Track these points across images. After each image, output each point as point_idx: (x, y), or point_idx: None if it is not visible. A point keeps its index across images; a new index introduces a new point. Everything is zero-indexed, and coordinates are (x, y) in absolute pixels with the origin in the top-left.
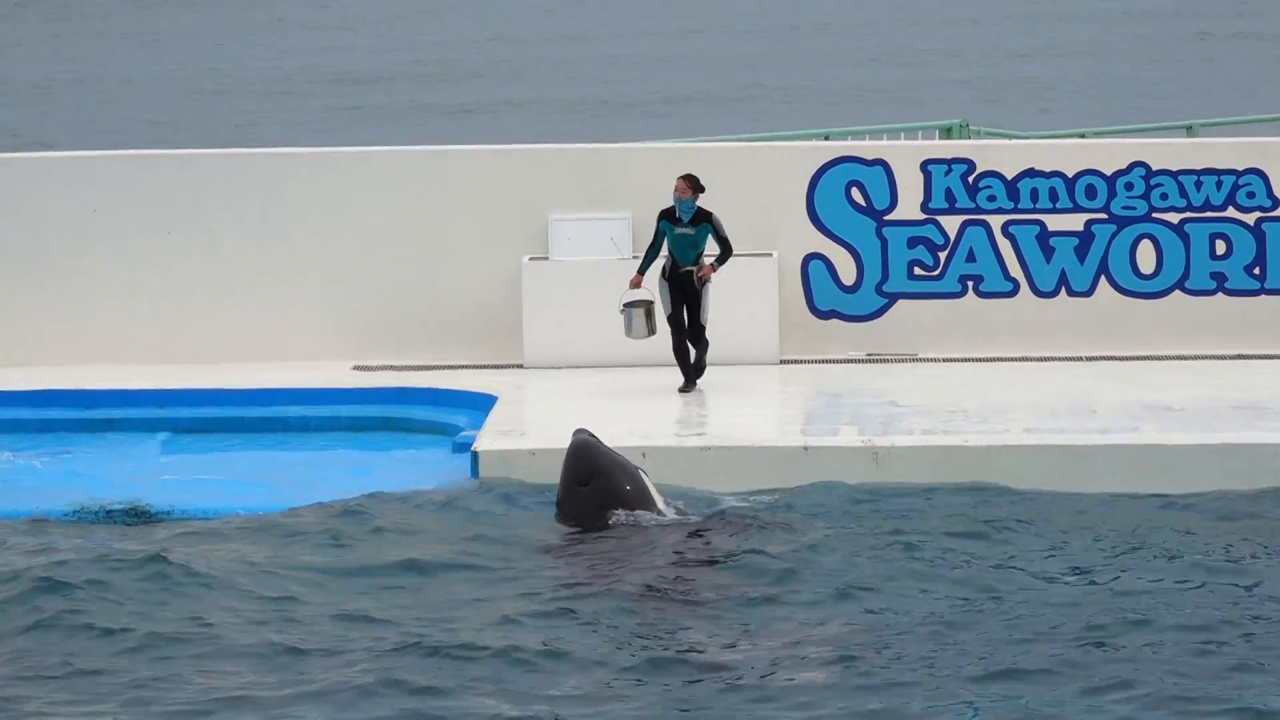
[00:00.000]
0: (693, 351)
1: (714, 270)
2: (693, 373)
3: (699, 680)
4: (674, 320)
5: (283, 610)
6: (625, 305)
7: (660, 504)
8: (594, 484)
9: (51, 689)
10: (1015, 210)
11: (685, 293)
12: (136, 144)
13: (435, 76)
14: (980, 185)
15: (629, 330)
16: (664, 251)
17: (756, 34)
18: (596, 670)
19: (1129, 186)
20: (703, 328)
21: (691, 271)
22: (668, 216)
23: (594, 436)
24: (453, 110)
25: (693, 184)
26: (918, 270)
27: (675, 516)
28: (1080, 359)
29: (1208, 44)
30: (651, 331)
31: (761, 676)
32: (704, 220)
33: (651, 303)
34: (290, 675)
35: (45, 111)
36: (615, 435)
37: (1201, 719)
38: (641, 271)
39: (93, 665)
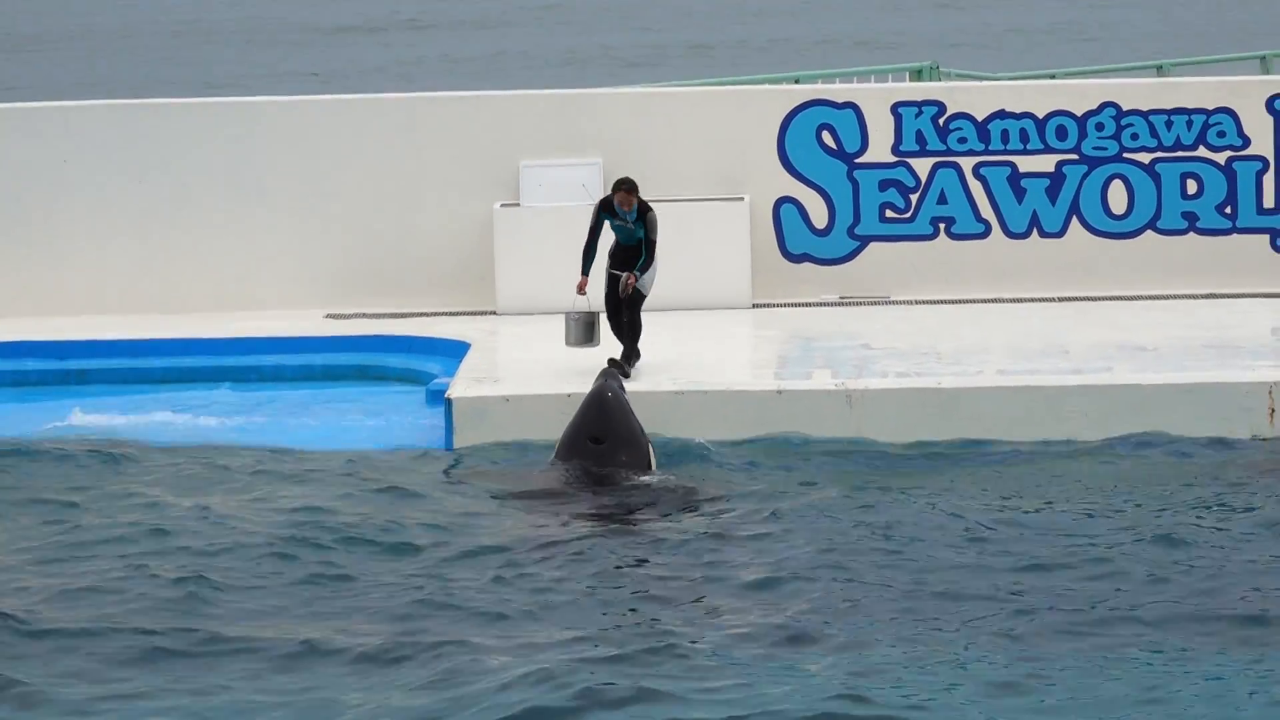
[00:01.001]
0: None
1: (636, 280)
2: (627, 353)
3: (676, 649)
4: (609, 303)
5: (242, 562)
6: (567, 315)
7: (654, 470)
8: (608, 445)
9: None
10: (986, 152)
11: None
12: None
13: (426, 25)
14: (951, 127)
15: (568, 339)
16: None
17: None
18: (571, 632)
19: (1099, 127)
20: (636, 325)
21: (618, 277)
22: (607, 209)
23: (620, 386)
24: (438, 60)
25: (633, 191)
26: (889, 213)
27: (661, 478)
28: (1053, 300)
29: None
30: (594, 342)
31: (740, 640)
32: (641, 216)
33: (595, 314)
34: (235, 626)
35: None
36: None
37: (1183, 664)
38: (585, 273)
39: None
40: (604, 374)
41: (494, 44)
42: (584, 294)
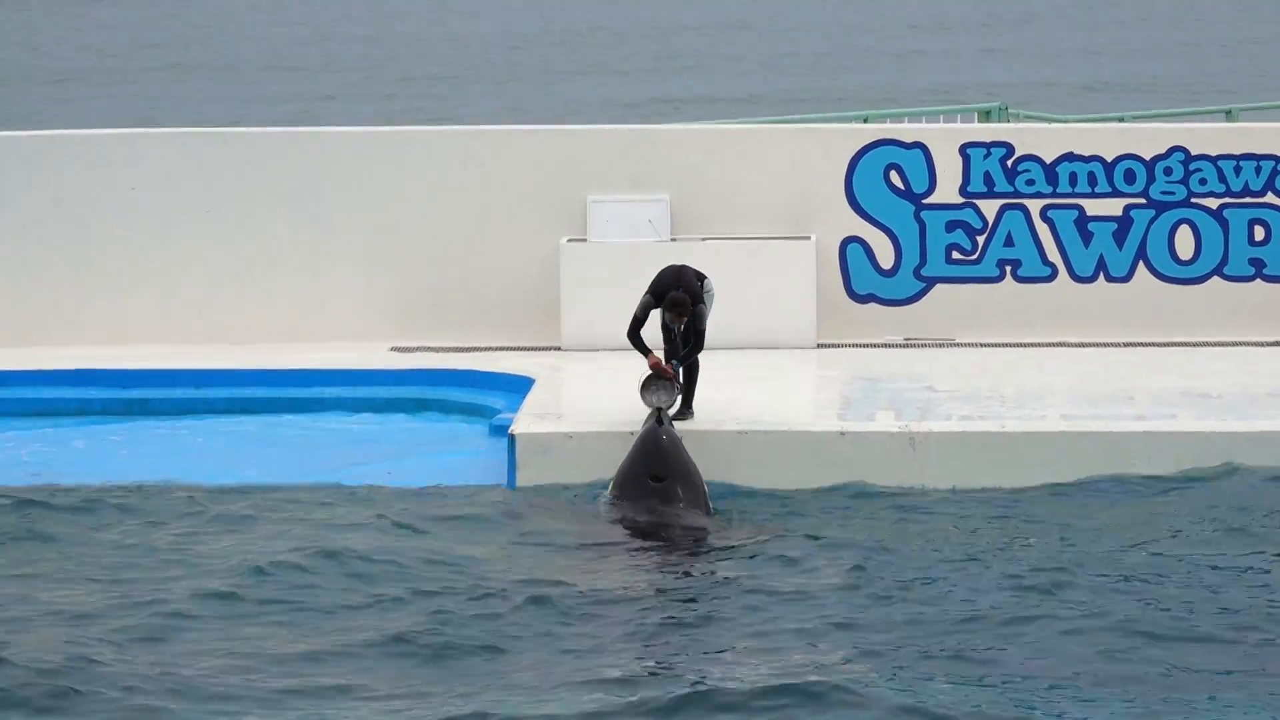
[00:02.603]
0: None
1: (674, 372)
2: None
3: (719, 693)
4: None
5: (305, 593)
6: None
7: (711, 509)
8: (666, 482)
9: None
10: (1054, 194)
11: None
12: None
13: (476, 76)
14: (1019, 169)
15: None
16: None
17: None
18: (613, 669)
19: (1168, 171)
20: (694, 369)
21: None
22: (656, 306)
23: (670, 426)
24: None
25: (685, 313)
26: (956, 254)
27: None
28: (1118, 345)
29: (1251, 26)
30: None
31: (793, 676)
32: (694, 309)
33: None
34: (299, 657)
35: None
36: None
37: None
38: (646, 353)
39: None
40: (653, 415)
41: (558, 92)
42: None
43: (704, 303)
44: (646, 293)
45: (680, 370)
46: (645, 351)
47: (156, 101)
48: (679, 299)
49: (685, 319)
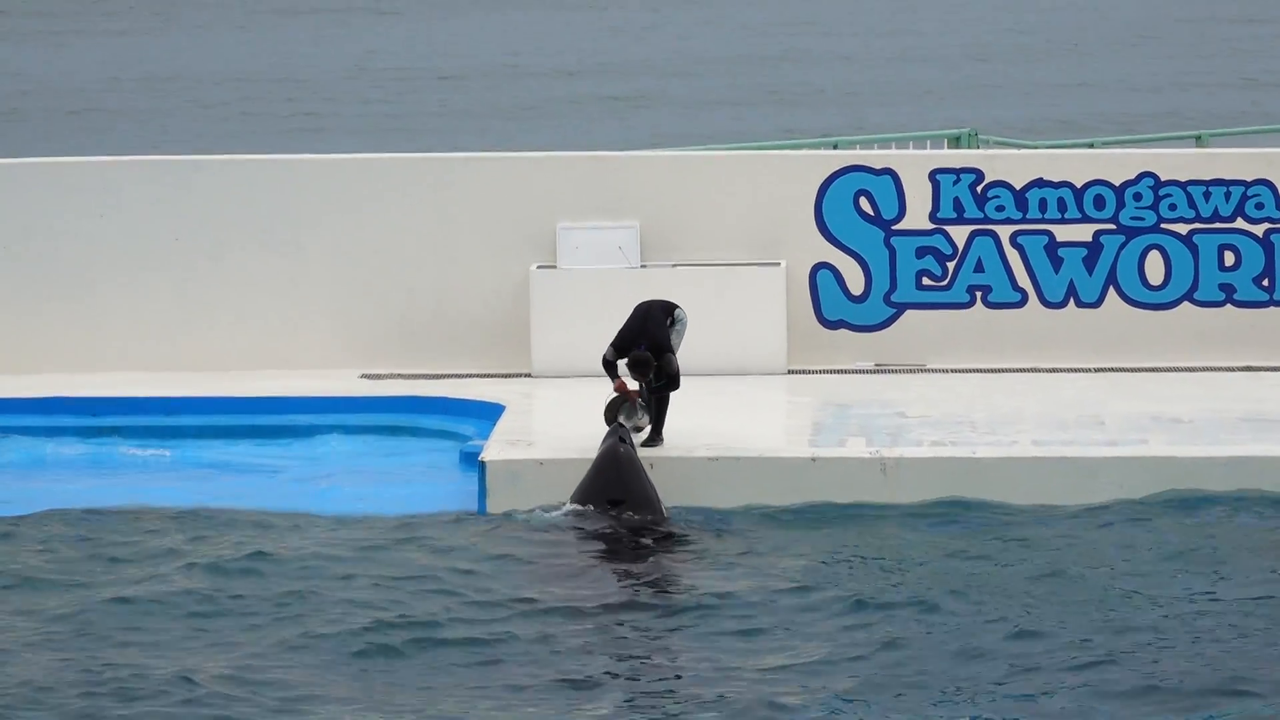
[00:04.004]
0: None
1: (638, 398)
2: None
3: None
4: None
5: (273, 612)
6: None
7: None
8: (626, 506)
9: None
10: (1024, 220)
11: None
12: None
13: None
14: (989, 195)
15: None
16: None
17: (777, 31)
18: (582, 693)
19: (1138, 197)
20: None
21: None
22: (622, 354)
23: (629, 445)
24: (475, 113)
25: (646, 375)
26: (926, 280)
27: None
28: (1089, 370)
29: (1216, 48)
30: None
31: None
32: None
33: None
34: (262, 679)
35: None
36: None
37: None
38: (615, 377)
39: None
40: (612, 432)
41: (521, 95)
42: (622, 392)
43: (671, 349)
44: (610, 345)
45: (649, 397)
46: (614, 376)
47: (130, 130)
48: (639, 359)
49: (645, 381)
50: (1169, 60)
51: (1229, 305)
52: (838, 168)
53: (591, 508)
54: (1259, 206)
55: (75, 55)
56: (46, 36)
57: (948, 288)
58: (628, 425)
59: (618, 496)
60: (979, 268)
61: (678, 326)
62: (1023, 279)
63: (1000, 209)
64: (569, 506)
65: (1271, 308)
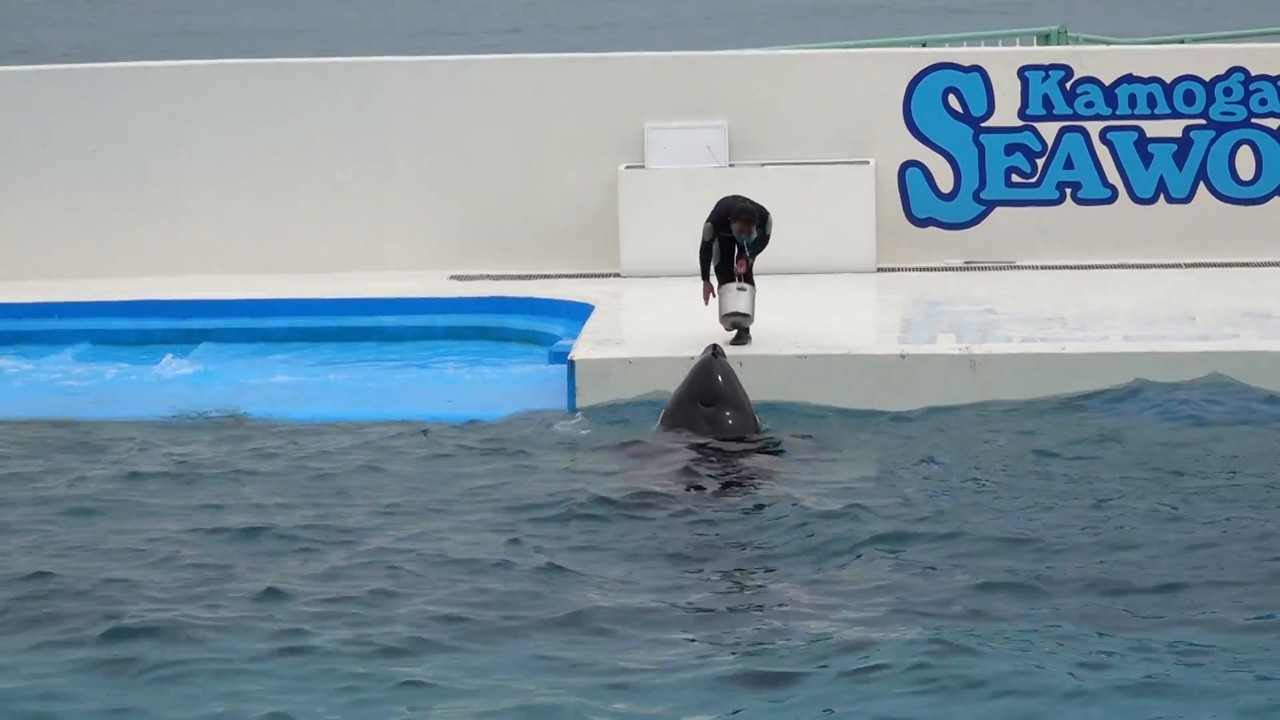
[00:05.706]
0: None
1: (746, 265)
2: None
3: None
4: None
5: (369, 518)
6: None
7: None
8: (716, 409)
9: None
10: (1113, 116)
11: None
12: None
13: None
14: (1078, 91)
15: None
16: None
17: None
18: (664, 599)
19: (1228, 92)
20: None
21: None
22: (722, 228)
23: (724, 356)
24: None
25: (752, 221)
26: (1015, 177)
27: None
28: (1179, 266)
29: None
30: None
31: (837, 612)
32: (761, 227)
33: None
34: (341, 579)
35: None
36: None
37: None
38: (706, 277)
39: (146, 555)
40: (710, 348)
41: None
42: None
43: (768, 224)
44: (707, 220)
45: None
46: (705, 275)
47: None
48: (748, 207)
49: (754, 228)
50: None
51: None
52: (926, 65)
53: (683, 414)
54: None
55: None
56: None
57: (1037, 185)
58: (741, 309)
59: (708, 399)
60: (1068, 164)
61: (766, 228)
62: (1112, 175)
63: (1089, 105)
64: (662, 411)
65: None
